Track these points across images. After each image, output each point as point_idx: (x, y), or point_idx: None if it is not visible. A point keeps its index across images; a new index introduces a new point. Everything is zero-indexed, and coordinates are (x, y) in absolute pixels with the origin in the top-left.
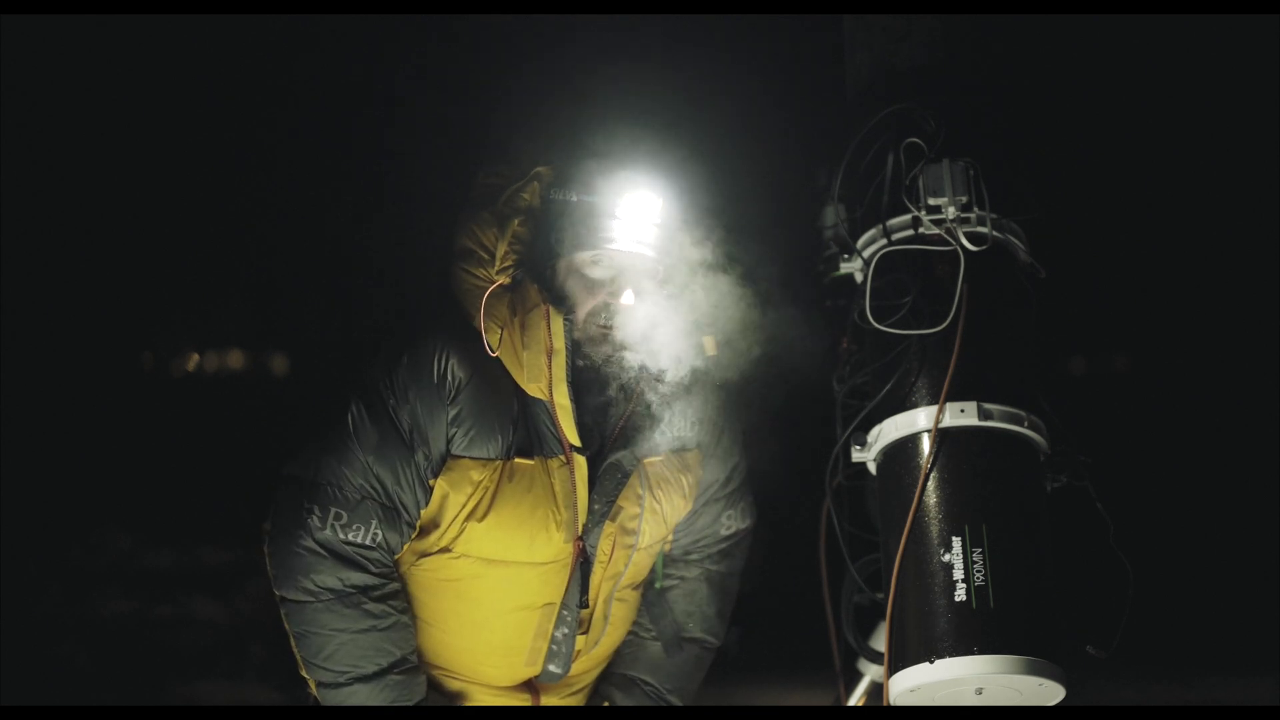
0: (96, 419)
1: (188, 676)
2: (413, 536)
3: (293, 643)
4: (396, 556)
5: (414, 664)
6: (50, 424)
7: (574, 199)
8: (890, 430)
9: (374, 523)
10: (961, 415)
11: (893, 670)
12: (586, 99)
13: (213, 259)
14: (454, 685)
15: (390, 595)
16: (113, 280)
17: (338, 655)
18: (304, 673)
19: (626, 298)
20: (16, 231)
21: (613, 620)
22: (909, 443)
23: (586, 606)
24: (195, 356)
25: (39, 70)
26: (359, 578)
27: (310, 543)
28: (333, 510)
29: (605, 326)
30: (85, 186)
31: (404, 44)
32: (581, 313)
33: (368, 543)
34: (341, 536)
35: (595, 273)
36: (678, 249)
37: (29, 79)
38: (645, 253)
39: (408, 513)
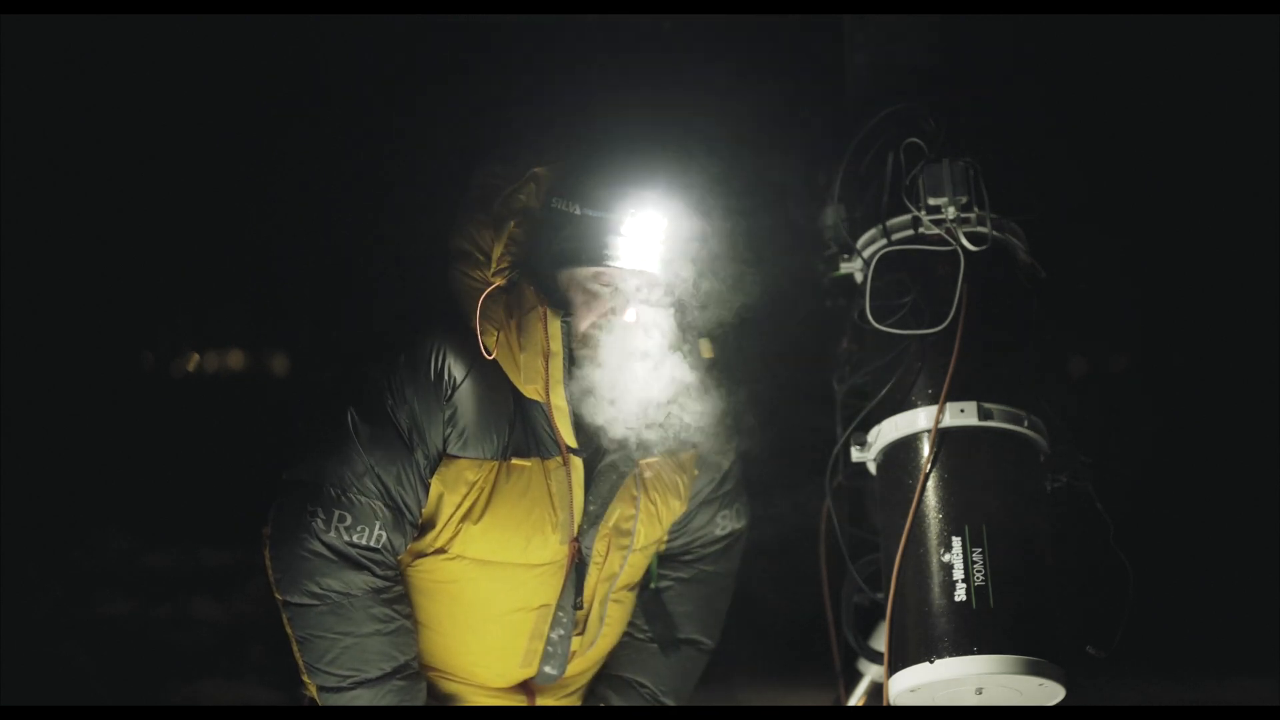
0: (96, 419)
1: (188, 676)
2: (414, 537)
3: (295, 647)
4: (398, 558)
5: (416, 670)
6: (50, 424)
7: (578, 212)
8: (890, 430)
9: (378, 524)
10: (961, 415)
11: (893, 670)
12: (582, 98)
13: (213, 259)
14: (449, 687)
15: (396, 599)
16: (113, 280)
17: (342, 659)
18: (306, 677)
19: (629, 316)
20: (17, 231)
21: (608, 621)
22: (909, 443)
23: (582, 608)
24: (195, 356)
25: (39, 70)
26: (364, 580)
27: (316, 545)
28: (336, 513)
29: (606, 334)
30: (85, 186)
31: (405, 43)
32: (583, 324)
33: (373, 544)
34: (347, 539)
35: (597, 287)
36: (680, 261)
37: (29, 79)
38: (649, 270)
39: (410, 513)
